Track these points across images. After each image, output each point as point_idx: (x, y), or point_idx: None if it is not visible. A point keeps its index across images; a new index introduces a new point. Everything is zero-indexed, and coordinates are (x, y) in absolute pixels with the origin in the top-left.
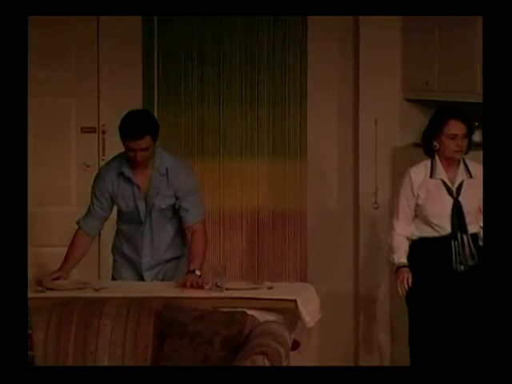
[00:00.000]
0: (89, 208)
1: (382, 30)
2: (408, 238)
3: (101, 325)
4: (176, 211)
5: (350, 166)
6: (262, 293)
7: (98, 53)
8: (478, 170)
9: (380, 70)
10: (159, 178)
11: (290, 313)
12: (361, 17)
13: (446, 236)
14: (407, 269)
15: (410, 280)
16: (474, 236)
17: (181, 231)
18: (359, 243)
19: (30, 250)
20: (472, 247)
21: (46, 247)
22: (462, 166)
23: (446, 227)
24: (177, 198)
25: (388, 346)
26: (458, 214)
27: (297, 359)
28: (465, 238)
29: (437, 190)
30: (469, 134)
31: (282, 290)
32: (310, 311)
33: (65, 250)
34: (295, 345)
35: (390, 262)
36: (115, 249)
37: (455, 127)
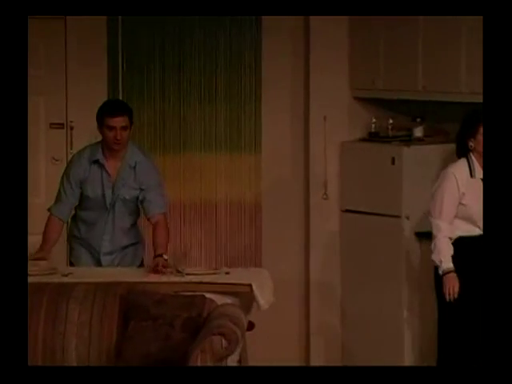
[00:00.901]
0: (60, 195)
1: (331, 30)
2: (451, 239)
3: (69, 308)
4: (137, 203)
5: (301, 159)
6: (220, 278)
7: (65, 51)
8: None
9: (329, 69)
10: (128, 170)
11: (245, 296)
12: (311, 17)
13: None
14: (455, 274)
15: (457, 287)
16: None
17: (137, 221)
18: (310, 231)
19: None
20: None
21: None
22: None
23: (480, 223)
24: (141, 191)
25: (339, 329)
26: None
27: (252, 339)
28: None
29: (479, 189)
30: None
31: (238, 275)
32: (264, 295)
33: (34, 238)
34: (250, 326)
35: (433, 262)
36: (73, 236)
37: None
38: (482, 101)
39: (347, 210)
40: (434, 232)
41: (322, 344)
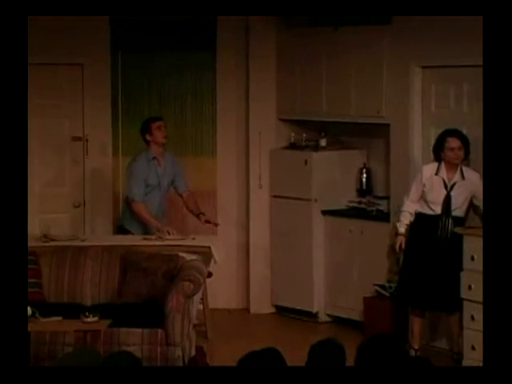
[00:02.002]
0: (137, 188)
1: (263, 71)
2: (411, 214)
3: (85, 263)
4: (171, 185)
5: (244, 161)
6: (189, 242)
7: (82, 88)
8: (469, 174)
9: (262, 99)
10: (169, 164)
11: (206, 254)
12: (249, 61)
13: (437, 215)
14: (402, 237)
15: (403, 244)
16: (456, 218)
17: None
18: (250, 210)
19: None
20: (450, 225)
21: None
22: (458, 170)
23: (437, 210)
24: (174, 177)
25: (268, 279)
26: (447, 203)
27: (210, 284)
28: (449, 219)
29: (438, 183)
30: (464, 147)
31: (201, 240)
32: (218, 253)
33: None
34: (209, 275)
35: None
36: (134, 218)
37: (453, 142)
38: (368, 121)
39: (275, 196)
40: (401, 207)
41: (258, 288)
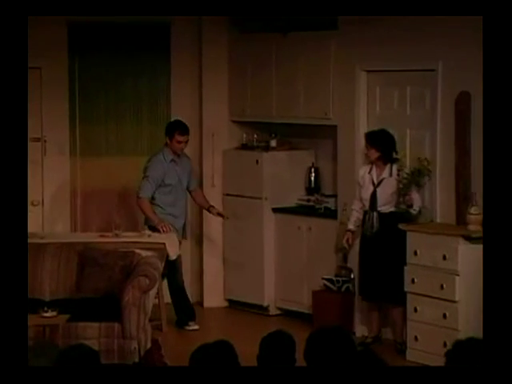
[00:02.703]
0: (147, 187)
1: (216, 75)
2: (357, 211)
3: (44, 259)
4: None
5: (197, 161)
6: (144, 238)
7: (40, 90)
8: (395, 171)
9: (215, 102)
10: (183, 162)
11: (161, 250)
12: (203, 68)
13: (366, 211)
14: (350, 232)
15: (350, 240)
16: (384, 214)
17: None
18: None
19: None
20: (375, 220)
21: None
22: (387, 168)
23: (367, 205)
24: (189, 174)
25: (221, 274)
26: (372, 199)
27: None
28: (374, 214)
29: (368, 182)
30: (376, 146)
31: (157, 237)
32: (173, 250)
33: None
34: (164, 270)
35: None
36: (163, 217)
37: (365, 144)
38: (316, 123)
39: (227, 194)
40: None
41: (211, 283)
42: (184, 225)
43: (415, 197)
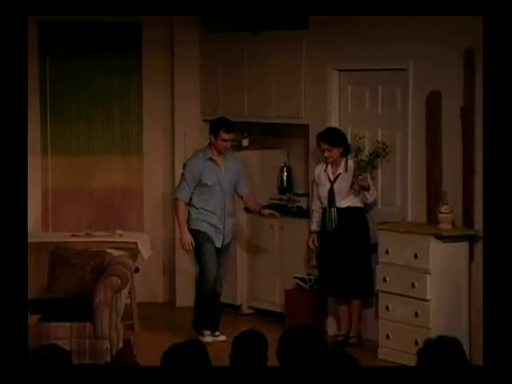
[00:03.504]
0: (184, 187)
1: (188, 74)
2: (317, 211)
3: None
4: (234, 186)
5: (169, 160)
6: (116, 238)
7: None
8: (351, 165)
9: (187, 101)
10: (230, 164)
11: (133, 250)
12: (175, 70)
13: (325, 208)
14: (313, 234)
15: (315, 241)
16: (342, 209)
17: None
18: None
19: None
20: (334, 215)
21: None
22: (343, 163)
23: (325, 202)
24: (237, 177)
25: (193, 274)
26: (330, 194)
27: (137, 278)
28: (333, 209)
29: (324, 179)
30: (337, 146)
31: (129, 236)
32: (145, 249)
33: None
34: (136, 270)
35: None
36: (197, 217)
37: (323, 146)
38: (288, 122)
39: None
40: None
41: (183, 282)
42: (224, 229)
43: (371, 183)
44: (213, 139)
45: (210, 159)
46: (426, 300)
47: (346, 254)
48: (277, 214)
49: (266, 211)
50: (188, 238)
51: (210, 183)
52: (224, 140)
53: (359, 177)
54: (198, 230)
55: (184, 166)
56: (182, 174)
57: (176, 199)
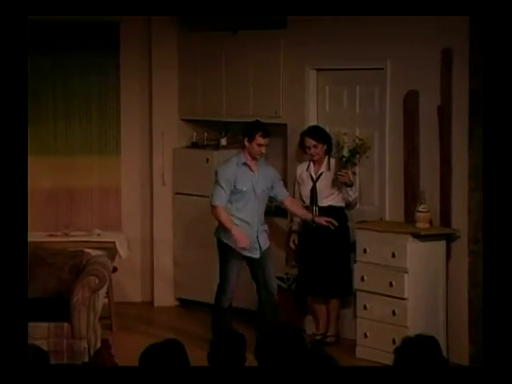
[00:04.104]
0: (220, 192)
1: (165, 74)
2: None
3: None
4: (267, 192)
5: (148, 159)
6: (94, 237)
7: None
8: (333, 163)
9: (165, 100)
10: (262, 169)
11: (111, 250)
12: (153, 69)
13: (307, 206)
14: (294, 233)
15: (296, 241)
16: (324, 208)
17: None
18: (153, 207)
19: None
20: (316, 214)
21: None
22: (325, 162)
23: (307, 201)
24: (273, 183)
25: (172, 273)
26: (312, 193)
27: (115, 278)
28: (315, 208)
29: (306, 178)
30: (323, 143)
31: (107, 236)
32: (123, 249)
33: None
34: (114, 269)
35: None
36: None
37: (308, 142)
38: (266, 121)
39: (178, 193)
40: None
41: (161, 282)
42: (258, 238)
43: (353, 179)
44: (247, 143)
45: (245, 164)
46: (403, 299)
47: (326, 253)
48: (334, 222)
49: (323, 219)
50: (242, 236)
51: (244, 189)
52: (259, 145)
53: (339, 173)
54: (227, 245)
55: (216, 172)
56: (216, 181)
57: (214, 206)
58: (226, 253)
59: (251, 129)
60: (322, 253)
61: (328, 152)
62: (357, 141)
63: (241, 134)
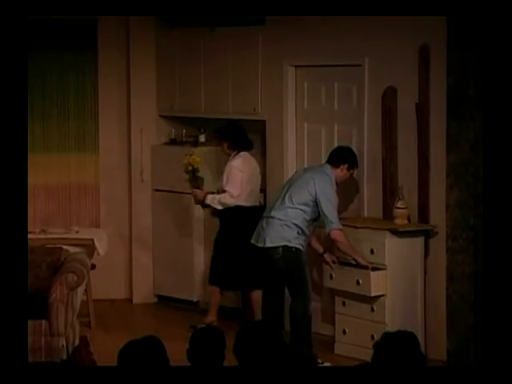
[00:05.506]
0: (336, 213)
1: (144, 71)
2: None
3: None
4: None
5: (126, 157)
6: (72, 234)
7: None
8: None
9: (143, 97)
10: None
11: (89, 247)
12: (131, 66)
13: None
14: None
15: None
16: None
17: None
18: (132, 203)
19: None
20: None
21: None
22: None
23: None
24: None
25: (151, 270)
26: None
27: (94, 275)
28: None
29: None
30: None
31: (85, 233)
32: (101, 246)
33: None
34: (92, 267)
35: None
36: (298, 236)
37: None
38: (245, 118)
39: (156, 190)
40: None
41: (140, 279)
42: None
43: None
44: (345, 170)
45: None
46: (381, 295)
47: (236, 246)
48: (335, 264)
49: (329, 258)
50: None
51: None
52: (345, 175)
53: (192, 193)
54: (300, 250)
55: (324, 191)
56: (329, 201)
57: (336, 229)
58: (303, 259)
59: (355, 157)
60: (233, 245)
61: (234, 148)
62: (188, 158)
63: (343, 159)
